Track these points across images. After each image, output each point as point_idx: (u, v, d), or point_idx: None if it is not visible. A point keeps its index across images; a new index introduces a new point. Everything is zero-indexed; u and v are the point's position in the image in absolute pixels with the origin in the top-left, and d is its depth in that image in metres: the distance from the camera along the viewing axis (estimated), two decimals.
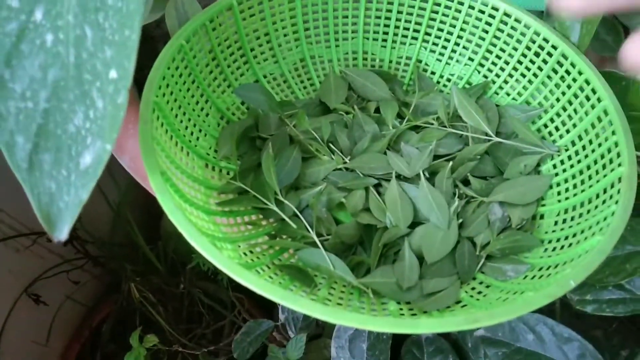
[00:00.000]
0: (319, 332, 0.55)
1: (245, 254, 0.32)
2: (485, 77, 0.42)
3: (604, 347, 0.50)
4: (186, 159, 0.34)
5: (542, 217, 0.36)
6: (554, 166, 0.37)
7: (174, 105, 0.34)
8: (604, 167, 0.33)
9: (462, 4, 0.40)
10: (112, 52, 0.23)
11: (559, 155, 0.37)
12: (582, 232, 0.31)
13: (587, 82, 0.35)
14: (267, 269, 0.32)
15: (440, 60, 0.43)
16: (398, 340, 0.45)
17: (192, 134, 0.36)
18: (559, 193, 0.36)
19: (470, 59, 0.42)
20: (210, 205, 0.34)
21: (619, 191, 0.30)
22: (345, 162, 0.37)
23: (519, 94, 0.40)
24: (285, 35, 0.42)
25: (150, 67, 0.33)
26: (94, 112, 0.24)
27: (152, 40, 0.49)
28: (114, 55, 0.23)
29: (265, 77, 0.42)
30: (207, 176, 0.36)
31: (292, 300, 0.24)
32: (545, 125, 0.39)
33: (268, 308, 0.77)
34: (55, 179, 0.25)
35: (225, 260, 0.25)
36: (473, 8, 0.40)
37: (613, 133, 0.33)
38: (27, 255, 0.71)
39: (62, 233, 0.25)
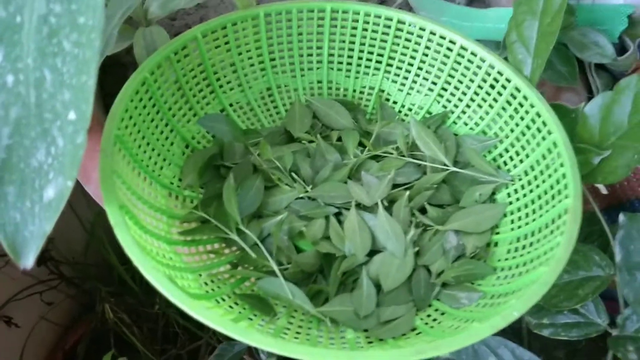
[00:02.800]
0: None
1: (206, 283, 0.33)
2: (445, 107, 0.43)
3: None
4: (149, 189, 0.35)
5: (496, 244, 0.37)
6: (508, 195, 0.38)
7: (137, 137, 0.35)
8: (552, 197, 0.34)
9: (420, 37, 0.42)
10: (70, 95, 0.24)
11: (512, 185, 0.38)
12: (532, 261, 0.32)
13: (538, 115, 0.37)
14: (228, 299, 0.33)
15: (401, 90, 0.45)
16: None
17: (155, 163, 0.37)
18: (512, 221, 0.37)
19: (430, 90, 0.43)
20: (172, 235, 0.35)
21: (564, 222, 0.31)
22: (307, 191, 0.38)
23: (476, 124, 0.42)
24: (251, 65, 0.43)
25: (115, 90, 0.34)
26: (55, 149, 0.25)
27: (122, 67, 0.50)
28: (72, 98, 0.24)
29: (231, 105, 0.43)
30: (170, 205, 0.36)
31: (243, 334, 0.25)
32: (501, 155, 0.40)
33: None
34: (20, 210, 0.26)
35: (179, 294, 0.26)
36: (431, 41, 0.41)
37: (561, 165, 0.34)
38: None
39: (28, 261, 0.26)
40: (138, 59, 0.43)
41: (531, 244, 0.34)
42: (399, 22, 0.42)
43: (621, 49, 0.47)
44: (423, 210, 0.38)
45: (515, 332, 0.50)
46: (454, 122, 0.43)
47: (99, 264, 0.83)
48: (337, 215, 0.37)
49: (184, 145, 0.40)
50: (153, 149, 0.36)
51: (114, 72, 0.50)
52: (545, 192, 0.35)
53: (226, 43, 0.41)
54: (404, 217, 0.36)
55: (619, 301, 0.38)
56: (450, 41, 0.41)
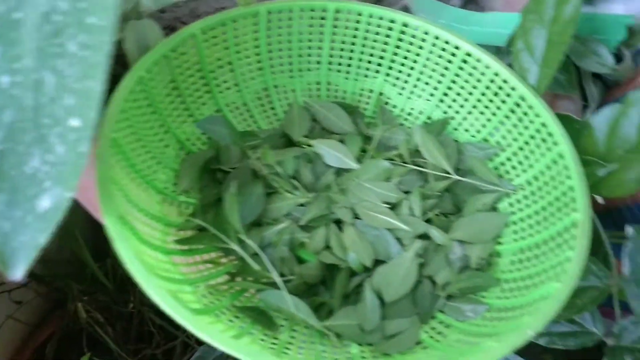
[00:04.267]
0: None
1: (204, 295, 0.31)
2: (445, 112, 0.42)
3: None
4: (143, 195, 0.33)
5: (499, 255, 0.36)
6: (511, 205, 0.38)
7: (132, 139, 0.33)
8: (559, 210, 0.34)
9: (424, 40, 0.41)
10: (74, 100, 0.22)
11: (515, 195, 0.38)
12: (538, 274, 0.32)
13: (544, 125, 0.36)
14: (227, 312, 0.31)
15: (401, 94, 0.44)
16: None
17: (149, 167, 0.35)
18: (515, 232, 0.37)
19: (431, 95, 0.43)
20: (168, 244, 0.33)
21: (574, 237, 0.31)
22: (308, 198, 0.37)
23: (478, 131, 0.41)
24: (248, 65, 0.41)
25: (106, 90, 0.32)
26: (54, 157, 0.24)
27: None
28: (76, 104, 0.22)
29: (227, 105, 0.41)
30: (165, 212, 0.35)
31: (251, 354, 0.24)
32: (502, 164, 0.40)
33: None
34: (10, 220, 0.24)
35: (183, 312, 0.25)
36: (435, 46, 0.41)
37: (568, 177, 0.34)
38: None
39: (16, 272, 0.24)
40: (128, 54, 0.40)
41: (537, 257, 0.34)
42: (403, 24, 0.41)
43: (615, 58, 0.47)
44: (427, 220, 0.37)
45: None
46: (455, 129, 0.42)
47: (71, 260, 0.79)
48: (337, 222, 0.36)
49: (178, 148, 0.38)
50: (147, 152, 0.34)
51: None
52: (551, 204, 0.35)
53: (224, 41, 0.39)
54: (411, 224, 0.35)
55: (614, 309, 0.39)
56: (455, 47, 0.40)
